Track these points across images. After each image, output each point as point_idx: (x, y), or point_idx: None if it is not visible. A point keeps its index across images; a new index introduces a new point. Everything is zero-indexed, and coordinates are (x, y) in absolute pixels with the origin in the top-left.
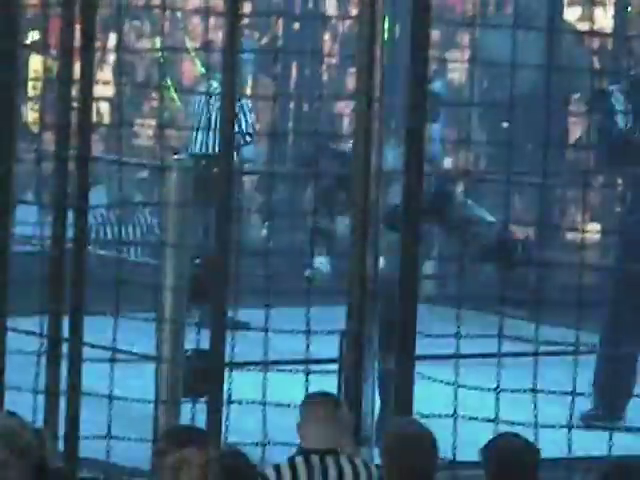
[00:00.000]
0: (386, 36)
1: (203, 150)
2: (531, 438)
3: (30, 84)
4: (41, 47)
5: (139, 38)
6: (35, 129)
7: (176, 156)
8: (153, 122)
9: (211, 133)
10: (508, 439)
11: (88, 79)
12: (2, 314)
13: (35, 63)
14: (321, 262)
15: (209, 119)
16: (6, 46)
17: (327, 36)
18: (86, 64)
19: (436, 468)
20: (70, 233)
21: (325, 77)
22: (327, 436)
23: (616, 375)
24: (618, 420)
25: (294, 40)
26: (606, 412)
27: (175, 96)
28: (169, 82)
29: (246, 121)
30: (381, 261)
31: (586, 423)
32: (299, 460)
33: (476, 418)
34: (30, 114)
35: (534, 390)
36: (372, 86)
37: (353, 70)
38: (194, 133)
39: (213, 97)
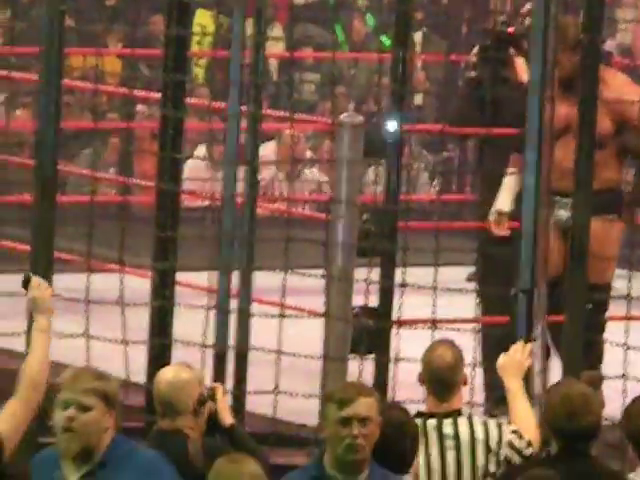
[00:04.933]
0: None
1: None
2: None
3: (194, 39)
4: (213, 3)
5: None
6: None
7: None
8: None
9: None
10: None
11: (260, 36)
12: (173, 269)
13: (200, 17)
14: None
15: None
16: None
17: None
18: (258, 21)
19: (598, 429)
20: (240, 189)
21: None
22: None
23: None
24: None
25: None
26: None
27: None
28: (341, 38)
29: None
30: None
31: None
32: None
33: None
34: (195, 69)
35: None
36: (547, 46)
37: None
38: None
39: None
